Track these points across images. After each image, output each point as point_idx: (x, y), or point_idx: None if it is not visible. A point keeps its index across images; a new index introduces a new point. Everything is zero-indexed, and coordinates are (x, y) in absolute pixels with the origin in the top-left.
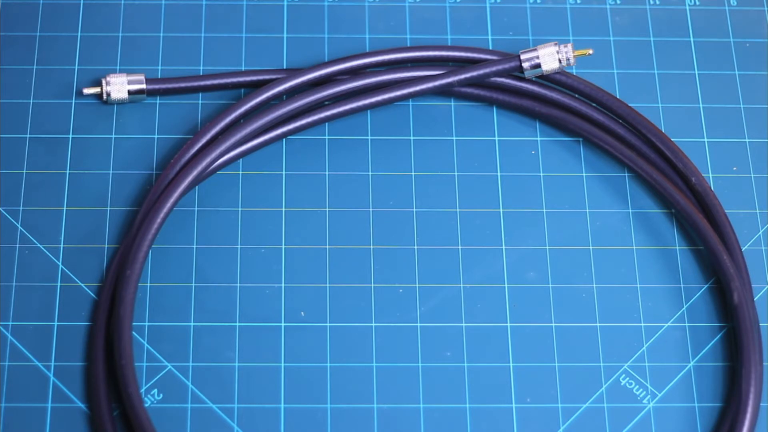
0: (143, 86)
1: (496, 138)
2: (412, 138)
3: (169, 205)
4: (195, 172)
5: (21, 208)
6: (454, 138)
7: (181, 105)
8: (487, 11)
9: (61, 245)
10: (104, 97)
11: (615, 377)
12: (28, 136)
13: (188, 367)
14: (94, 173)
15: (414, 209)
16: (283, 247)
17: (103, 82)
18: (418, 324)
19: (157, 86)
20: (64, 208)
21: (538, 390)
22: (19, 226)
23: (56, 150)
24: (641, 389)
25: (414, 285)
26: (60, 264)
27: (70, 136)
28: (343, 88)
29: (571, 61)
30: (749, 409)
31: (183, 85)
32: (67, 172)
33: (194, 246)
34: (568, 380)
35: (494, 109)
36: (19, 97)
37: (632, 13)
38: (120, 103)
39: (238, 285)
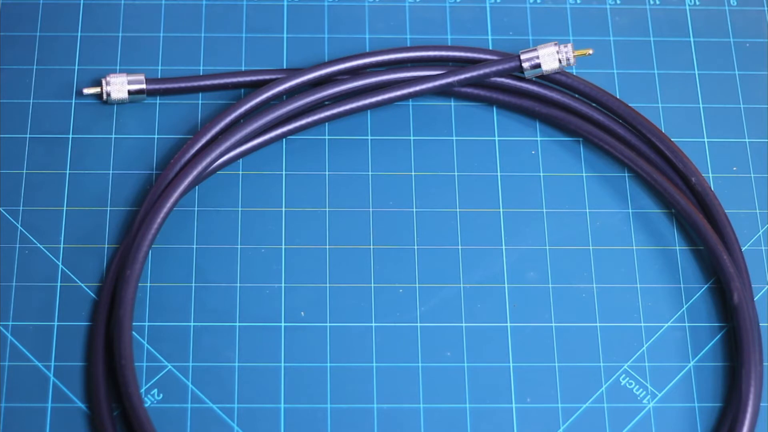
0: (143, 86)
1: (496, 138)
2: (412, 138)
3: (169, 205)
4: (195, 172)
5: (21, 208)
6: (454, 138)
7: (181, 105)
8: (487, 11)
9: (61, 245)
10: (104, 97)
11: (615, 377)
12: (28, 136)
13: (188, 367)
14: (94, 173)
15: (414, 209)
16: (283, 247)
17: (103, 82)
18: (418, 324)
19: (157, 86)
20: (64, 208)
21: (538, 390)
22: (19, 226)
23: (56, 150)
24: (641, 389)
25: (414, 285)
26: (60, 264)
27: (70, 136)
28: (343, 88)
29: (571, 61)
30: (749, 409)
31: (183, 85)
32: (67, 172)
33: (194, 246)
34: (568, 380)
35: (494, 109)
36: (19, 97)
37: (632, 13)
38: (120, 103)
39: (238, 285)
